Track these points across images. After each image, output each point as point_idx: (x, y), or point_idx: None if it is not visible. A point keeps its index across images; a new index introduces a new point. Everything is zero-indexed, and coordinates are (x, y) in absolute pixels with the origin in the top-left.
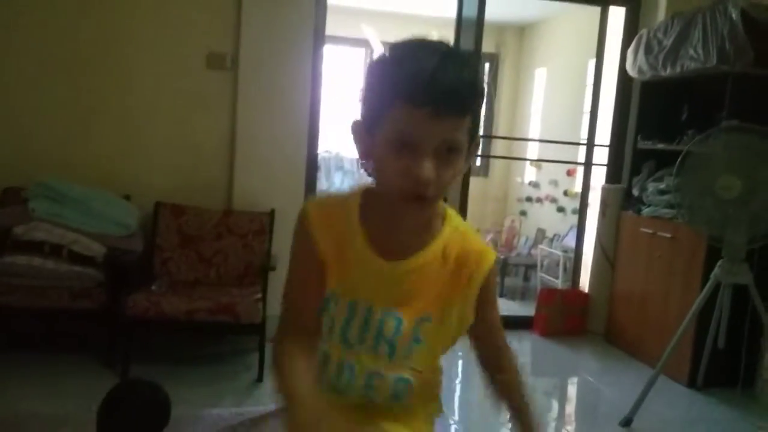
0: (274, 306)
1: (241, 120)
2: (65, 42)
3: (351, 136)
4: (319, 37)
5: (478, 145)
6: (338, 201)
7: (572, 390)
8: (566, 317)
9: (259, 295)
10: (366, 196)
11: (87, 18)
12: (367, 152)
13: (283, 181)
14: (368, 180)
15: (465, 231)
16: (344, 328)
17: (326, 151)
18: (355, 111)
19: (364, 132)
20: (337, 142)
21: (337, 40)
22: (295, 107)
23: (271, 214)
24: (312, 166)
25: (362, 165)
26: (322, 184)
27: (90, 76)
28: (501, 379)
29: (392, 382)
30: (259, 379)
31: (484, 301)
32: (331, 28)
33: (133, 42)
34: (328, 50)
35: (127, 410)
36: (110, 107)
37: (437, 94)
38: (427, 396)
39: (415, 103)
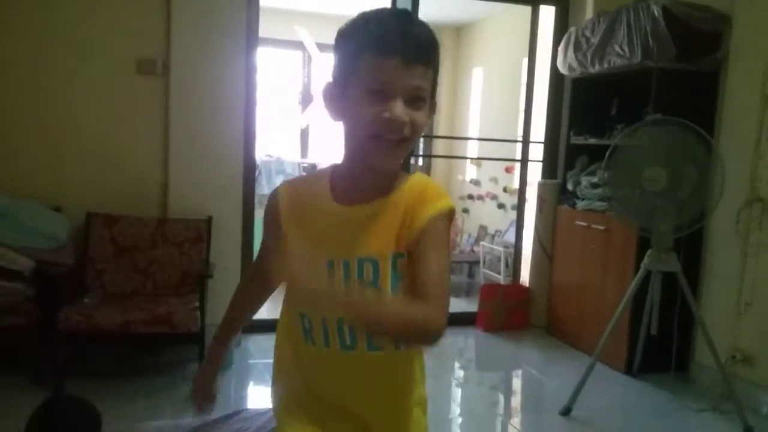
0: (213, 314)
1: (174, 126)
2: None
3: (322, 101)
4: (252, 40)
5: (436, 105)
6: (309, 177)
7: (516, 383)
8: (508, 312)
9: (197, 304)
10: (335, 167)
11: (8, 24)
12: (339, 111)
13: (220, 187)
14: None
15: (426, 184)
16: None
17: (267, 155)
18: (296, 110)
19: (336, 92)
20: (278, 147)
21: (273, 42)
22: (230, 111)
23: (209, 221)
24: (250, 171)
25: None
26: (264, 189)
27: (14, 84)
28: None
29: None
30: None
31: (419, 243)
32: (264, 31)
33: (60, 48)
34: (264, 53)
35: (53, 429)
36: (37, 116)
37: (406, 44)
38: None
39: (387, 54)
